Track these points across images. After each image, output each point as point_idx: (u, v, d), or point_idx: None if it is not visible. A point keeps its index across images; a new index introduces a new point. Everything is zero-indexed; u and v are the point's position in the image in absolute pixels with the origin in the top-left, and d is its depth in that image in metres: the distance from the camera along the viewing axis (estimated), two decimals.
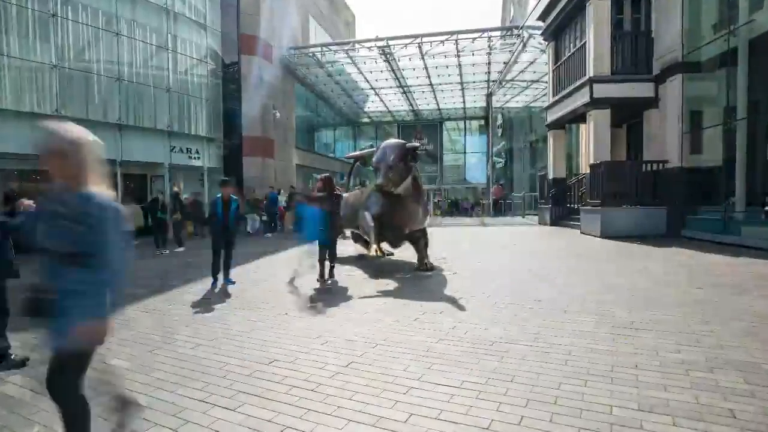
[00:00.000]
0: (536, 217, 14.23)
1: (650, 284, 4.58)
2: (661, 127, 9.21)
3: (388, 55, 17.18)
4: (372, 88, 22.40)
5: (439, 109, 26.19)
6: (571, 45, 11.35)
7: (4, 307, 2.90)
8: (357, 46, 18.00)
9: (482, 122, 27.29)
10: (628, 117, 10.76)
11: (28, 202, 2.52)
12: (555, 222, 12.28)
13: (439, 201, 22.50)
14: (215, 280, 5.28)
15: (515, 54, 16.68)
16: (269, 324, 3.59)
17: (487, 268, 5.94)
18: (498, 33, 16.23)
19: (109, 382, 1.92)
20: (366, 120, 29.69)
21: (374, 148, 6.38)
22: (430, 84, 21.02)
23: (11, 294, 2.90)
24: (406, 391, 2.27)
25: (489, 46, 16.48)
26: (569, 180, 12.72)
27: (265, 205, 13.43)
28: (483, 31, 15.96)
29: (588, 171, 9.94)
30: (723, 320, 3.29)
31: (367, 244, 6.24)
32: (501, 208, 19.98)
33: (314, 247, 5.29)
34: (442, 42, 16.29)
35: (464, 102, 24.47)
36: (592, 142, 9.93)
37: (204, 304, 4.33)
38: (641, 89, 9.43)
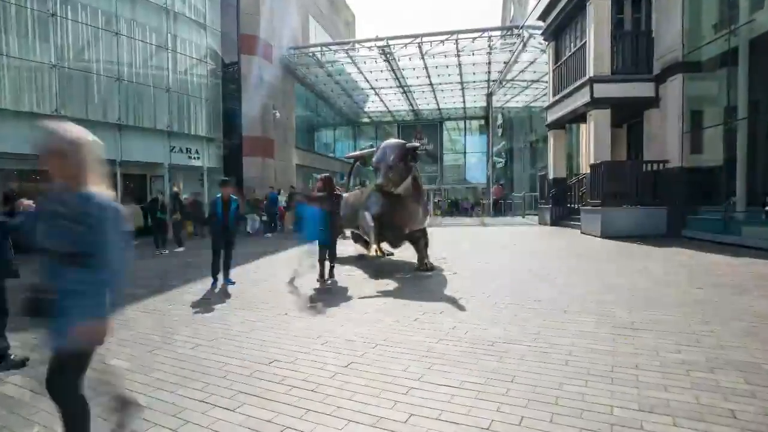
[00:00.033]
0: (536, 217, 14.23)
1: (650, 284, 4.57)
2: (662, 126, 9.20)
3: (388, 55, 17.17)
4: (372, 88, 22.40)
5: (439, 109, 26.18)
6: (572, 45, 11.34)
7: (4, 307, 2.90)
8: (357, 45, 17.99)
9: (482, 122, 27.28)
10: (628, 117, 10.76)
11: (27, 202, 2.52)
12: (555, 222, 12.27)
13: (439, 201, 22.50)
14: (215, 280, 5.28)
15: (515, 54, 16.67)
16: (269, 324, 3.59)
17: (487, 268, 5.93)
18: (498, 33, 16.22)
19: (109, 382, 1.91)
20: (366, 120, 29.69)
21: (374, 148, 6.38)
22: (430, 84, 21.02)
23: (11, 294, 2.90)
24: (406, 392, 2.27)
25: (489, 46, 16.48)
26: (569, 180, 12.71)
27: (265, 205, 13.43)
28: (483, 30, 15.95)
29: (588, 171, 9.93)
30: (723, 320, 3.29)
31: (367, 244, 6.24)
32: (501, 208, 19.99)
33: (314, 247, 5.29)
34: (442, 42, 16.29)
35: (464, 102, 24.47)
36: (593, 142, 9.93)
37: (204, 305, 4.33)
38: (642, 89, 9.42)
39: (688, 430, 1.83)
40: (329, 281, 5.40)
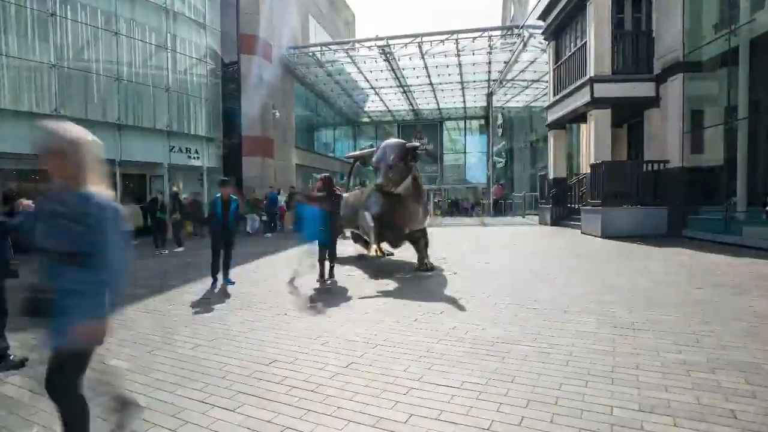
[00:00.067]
0: (537, 217, 14.23)
1: (651, 284, 4.57)
2: (662, 126, 9.19)
3: (388, 55, 17.17)
4: (372, 88, 22.39)
5: (439, 109, 26.17)
6: (572, 44, 11.34)
7: (3, 308, 2.90)
8: (357, 45, 17.99)
9: (482, 122, 27.27)
10: (628, 117, 10.75)
11: (27, 202, 2.51)
12: (555, 222, 12.27)
13: (439, 201, 22.50)
14: (215, 280, 5.27)
15: (516, 53, 16.66)
16: (269, 324, 3.58)
17: (487, 268, 5.93)
18: (498, 32, 16.21)
19: (109, 382, 1.91)
20: (366, 119, 29.68)
21: (374, 148, 6.37)
22: (431, 83, 21.01)
23: (10, 294, 2.89)
24: (407, 392, 2.26)
25: (489, 46, 16.47)
26: (570, 180, 12.71)
27: (265, 205, 13.41)
28: (483, 30, 15.94)
29: (588, 171, 9.92)
30: (724, 320, 3.28)
31: (367, 244, 6.23)
32: (501, 207, 20.00)
33: (314, 247, 5.28)
34: (443, 41, 16.28)
35: (464, 101, 24.46)
36: (593, 142, 9.92)
37: (203, 305, 4.33)
38: (642, 89, 9.42)
39: (688, 430, 1.82)
40: (329, 281, 5.39)
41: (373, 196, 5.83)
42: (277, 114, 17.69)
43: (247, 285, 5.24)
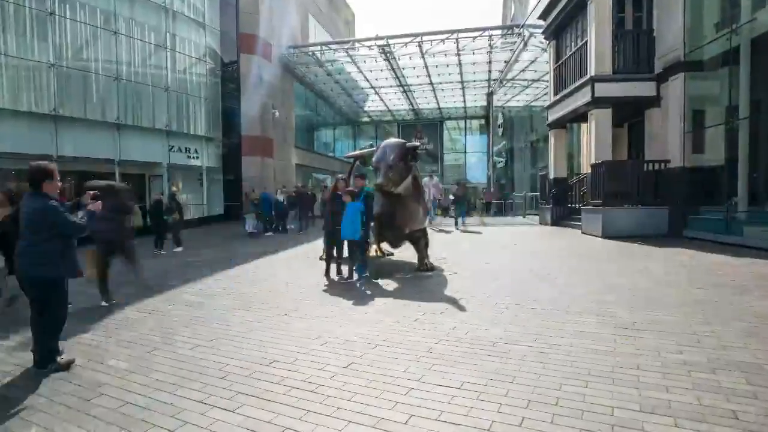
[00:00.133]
0: (537, 217, 14.21)
1: (652, 284, 4.56)
2: (663, 126, 9.18)
3: (388, 54, 17.15)
4: (372, 87, 22.38)
5: (439, 108, 26.16)
6: (573, 44, 11.32)
7: (65, 311, 2.84)
8: (357, 44, 17.97)
9: (483, 121, 27.27)
10: (629, 116, 10.73)
11: (97, 204, 2.80)
12: (556, 222, 12.25)
13: (439, 201, 22.45)
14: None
15: (516, 53, 16.65)
16: (268, 324, 3.58)
17: (487, 268, 5.92)
18: (499, 32, 16.20)
19: None
20: (366, 119, 29.67)
21: (374, 148, 6.36)
22: (431, 83, 21.00)
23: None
24: (407, 392, 2.26)
25: (490, 45, 16.46)
26: (570, 180, 12.69)
27: (259, 204, 12.98)
28: (484, 29, 15.93)
29: (589, 171, 9.91)
30: (725, 321, 3.27)
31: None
32: (489, 208, 20.08)
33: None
34: (443, 41, 16.26)
35: (465, 101, 24.45)
36: (594, 142, 9.90)
37: (203, 305, 4.32)
38: (643, 88, 9.40)
39: (689, 431, 1.82)
40: (338, 277, 5.40)
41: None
42: (277, 113, 17.68)
43: (247, 285, 5.24)
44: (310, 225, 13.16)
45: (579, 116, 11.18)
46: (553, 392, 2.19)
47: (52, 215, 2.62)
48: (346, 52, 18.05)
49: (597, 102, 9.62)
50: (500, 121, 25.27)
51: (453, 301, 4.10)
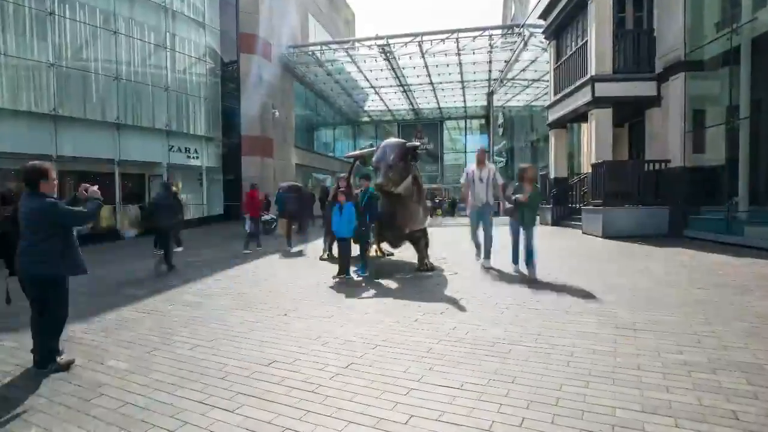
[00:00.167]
0: (537, 217, 14.22)
1: (652, 284, 4.55)
2: (664, 126, 9.17)
3: (388, 54, 17.14)
4: (372, 87, 22.38)
5: (439, 108, 26.16)
6: (573, 43, 11.31)
7: (66, 310, 2.82)
8: (357, 44, 17.96)
9: (483, 121, 27.27)
10: (630, 116, 10.72)
11: (93, 188, 2.80)
12: (556, 222, 12.24)
13: (439, 201, 22.47)
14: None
15: (516, 52, 16.64)
16: (268, 325, 3.57)
17: (487, 267, 5.90)
18: (499, 31, 16.19)
19: None
20: (366, 119, 29.66)
21: (374, 148, 6.36)
22: (431, 83, 20.99)
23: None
24: (407, 393, 2.25)
25: (490, 45, 16.45)
26: (571, 179, 12.68)
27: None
28: (484, 29, 15.92)
29: (589, 170, 9.90)
30: (725, 321, 3.27)
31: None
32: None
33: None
34: (443, 40, 16.26)
35: (465, 101, 24.45)
36: (594, 142, 9.90)
37: (203, 305, 4.31)
38: (643, 88, 9.39)
39: (690, 431, 1.81)
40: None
41: None
42: (277, 113, 17.67)
43: (246, 285, 5.23)
44: (310, 225, 13.15)
45: (579, 116, 11.17)
46: (553, 392, 2.19)
47: (51, 214, 2.62)
48: (346, 52, 18.04)
49: (597, 102, 9.62)
50: (500, 120, 25.28)
51: (453, 301, 4.09)
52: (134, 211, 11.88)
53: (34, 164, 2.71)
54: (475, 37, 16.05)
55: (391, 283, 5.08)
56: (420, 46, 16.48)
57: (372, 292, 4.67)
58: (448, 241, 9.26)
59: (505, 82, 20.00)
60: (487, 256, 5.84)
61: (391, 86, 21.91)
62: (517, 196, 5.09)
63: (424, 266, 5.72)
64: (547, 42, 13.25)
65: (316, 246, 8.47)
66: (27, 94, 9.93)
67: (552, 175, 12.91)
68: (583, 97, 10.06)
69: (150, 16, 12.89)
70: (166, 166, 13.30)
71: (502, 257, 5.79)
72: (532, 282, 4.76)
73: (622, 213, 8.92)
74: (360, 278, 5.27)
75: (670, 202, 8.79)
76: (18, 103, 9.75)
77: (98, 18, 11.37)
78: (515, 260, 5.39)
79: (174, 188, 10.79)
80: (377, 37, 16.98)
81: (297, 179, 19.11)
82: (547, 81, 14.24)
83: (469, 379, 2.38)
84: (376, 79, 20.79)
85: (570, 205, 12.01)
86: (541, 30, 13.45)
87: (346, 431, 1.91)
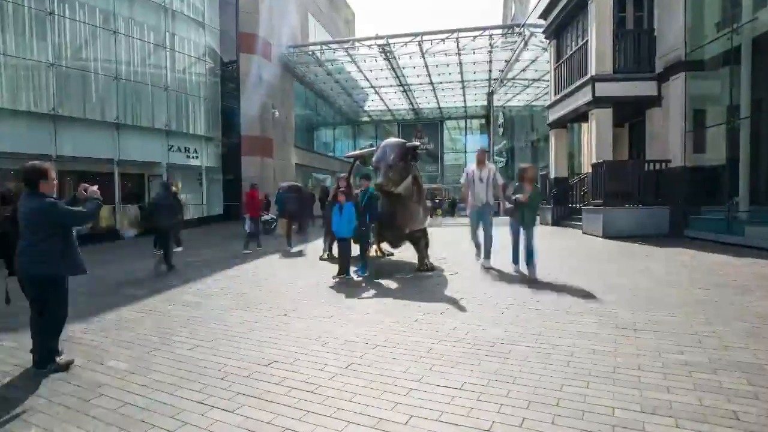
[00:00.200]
0: (537, 217, 14.21)
1: (653, 285, 4.55)
2: (664, 125, 9.16)
3: (388, 54, 17.14)
4: (372, 87, 22.37)
5: (439, 108, 26.15)
6: (573, 43, 11.30)
7: (65, 310, 2.81)
8: (357, 44, 17.95)
9: (483, 121, 27.26)
10: (630, 116, 10.72)
11: (93, 188, 2.79)
12: (556, 222, 12.24)
13: (439, 201, 22.47)
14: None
15: (516, 52, 16.63)
16: (268, 325, 3.57)
17: (487, 268, 5.90)
18: (499, 31, 16.18)
19: None
20: (366, 119, 29.66)
21: (374, 147, 6.35)
22: (431, 82, 20.99)
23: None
24: (407, 393, 2.25)
25: (490, 44, 16.44)
26: (571, 179, 12.67)
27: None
28: (484, 29, 15.91)
29: (590, 170, 9.89)
30: (726, 321, 3.26)
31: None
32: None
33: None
34: (443, 40, 16.25)
35: (465, 101, 24.44)
36: (594, 141, 9.89)
37: (202, 305, 4.31)
38: (644, 88, 9.38)
39: (690, 431, 1.81)
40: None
41: None
42: (277, 113, 17.67)
43: (246, 285, 5.23)
44: (310, 225, 13.14)
45: (580, 116, 11.16)
46: (553, 393, 2.18)
47: (51, 214, 2.62)
48: (346, 52, 18.03)
49: (598, 101, 9.61)
50: (501, 120, 25.27)
51: (453, 302, 4.09)
52: (134, 211, 11.88)
53: (33, 164, 2.70)
54: (475, 37, 16.04)
55: (391, 283, 5.07)
56: (420, 45, 16.47)
57: (372, 292, 4.67)
58: (448, 241, 9.25)
59: (505, 81, 19.99)
60: (487, 256, 5.83)
61: (391, 86, 21.90)
62: (517, 196, 5.09)
63: (424, 266, 5.71)
64: (548, 42, 13.24)
65: (316, 246, 8.46)
66: (26, 94, 9.93)
67: (552, 175, 12.90)
68: (584, 97, 10.05)
69: (149, 15, 12.89)
70: (165, 166, 13.30)
71: (502, 257, 5.78)
72: (532, 282, 4.77)
73: (623, 213, 8.92)
74: (360, 278, 5.27)
75: (671, 202, 8.78)
76: (17, 103, 9.75)
77: (98, 18, 11.36)
78: (515, 260, 5.39)
79: (174, 188, 10.79)
80: (377, 37, 16.97)
81: (297, 179, 19.11)
82: (548, 81, 14.24)
83: (469, 380, 2.38)
84: (376, 79, 20.78)
85: (570, 205, 12.00)
86: (541, 30, 13.44)
87: (346, 431, 1.91)
